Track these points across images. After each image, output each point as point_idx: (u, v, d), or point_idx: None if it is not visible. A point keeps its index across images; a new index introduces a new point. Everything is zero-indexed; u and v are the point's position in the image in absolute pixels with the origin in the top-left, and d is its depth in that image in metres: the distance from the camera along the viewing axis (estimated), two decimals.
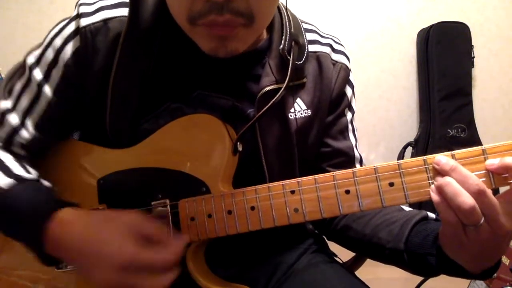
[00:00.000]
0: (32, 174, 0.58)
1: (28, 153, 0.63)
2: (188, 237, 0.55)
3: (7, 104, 0.61)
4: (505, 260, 1.33)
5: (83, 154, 0.64)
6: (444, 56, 2.17)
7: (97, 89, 0.60)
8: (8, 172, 0.55)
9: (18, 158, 0.61)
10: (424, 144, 2.21)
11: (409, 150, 2.30)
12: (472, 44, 2.21)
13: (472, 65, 2.22)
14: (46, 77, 0.60)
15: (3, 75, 2.12)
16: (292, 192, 0.53)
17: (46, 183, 0.58)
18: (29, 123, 0.61)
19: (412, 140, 2.31)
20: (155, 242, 0.50)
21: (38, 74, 0.60)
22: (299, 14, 0.69)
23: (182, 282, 0.57)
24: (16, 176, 0.55)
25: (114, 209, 0.53)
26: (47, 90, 0.60)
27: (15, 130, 0.60)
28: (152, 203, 0.59)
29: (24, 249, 0.53)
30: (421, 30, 2.27)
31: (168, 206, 0.57)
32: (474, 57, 2.22)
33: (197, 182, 0.58)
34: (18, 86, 0.61)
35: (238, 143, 0.58)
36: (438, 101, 2.18)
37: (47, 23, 2.18)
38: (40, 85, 0.60)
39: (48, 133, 0.63)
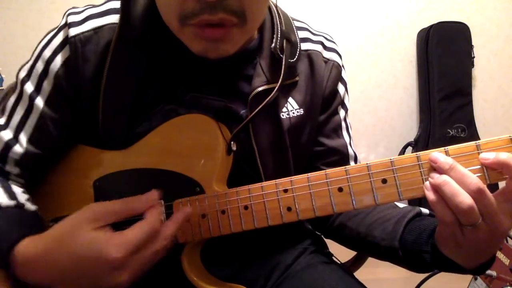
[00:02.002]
0: (16, 199, 0.55)
1: (23, 171, 0.61)
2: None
3: (0, 121, 0.60)
4: (505, 260, 1.32)
5: (79, 155, 0.64)
6: (444, 56, 2.17)
7: (90, 97, 0.59)
8: None
9: (7, 180, 0.59)
10: (424, 144, 2.21)
11: (409, 150, 2.30)
12: (472, 44, 2.21)
13: (472, 65, 2.22)
14: (38, 89, 0.59)
15: (3, 75, 2.12)
16: (285, 191, 0.52)
17: (30, 207, 0.56)
18: (23, 137, 0.60)
19: (412, 140, 2.31)
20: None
21: (29, 87, 0.59)
22: (298, 15, 0.69)
23: (177, 283, 0.56)
24: None
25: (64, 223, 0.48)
26: (39, 102, 0.59)
27: (8, 146, 0.59)
28: None
29: None
30: (421, 30, 2.27)
31: (163, 207, 0.57)
32: (474, 57, 2.22)
33: (191, 182, 0.57)
34: (10, 103, 0.60)
35: (232, 142, 0.58)
36: (438, 101, 2.18)
37: (47, 23, 2.19)
38: (31, 98, 0.59)
39: (42, 146, 0.61)
